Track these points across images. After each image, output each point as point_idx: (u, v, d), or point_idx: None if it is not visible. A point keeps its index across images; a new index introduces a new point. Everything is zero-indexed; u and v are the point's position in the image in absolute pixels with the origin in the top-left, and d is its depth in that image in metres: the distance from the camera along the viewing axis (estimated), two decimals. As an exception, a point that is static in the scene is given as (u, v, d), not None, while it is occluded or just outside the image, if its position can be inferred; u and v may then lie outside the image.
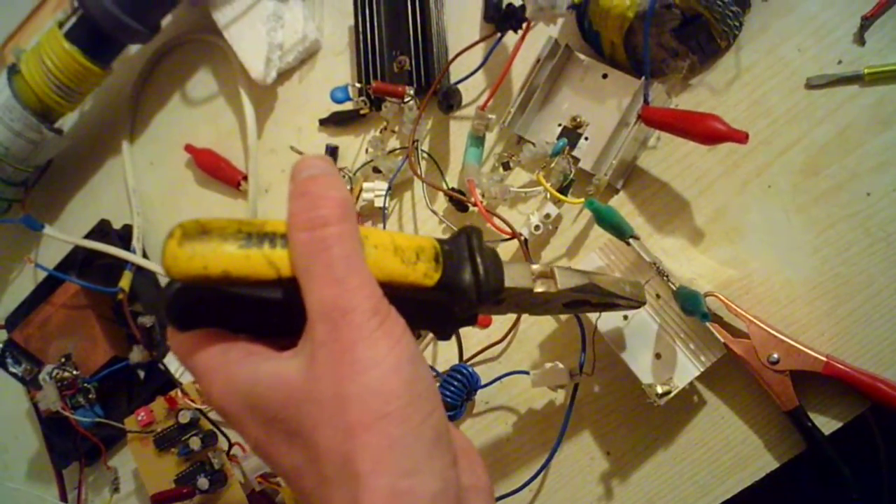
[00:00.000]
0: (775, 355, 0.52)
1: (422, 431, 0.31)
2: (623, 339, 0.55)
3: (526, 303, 0.43)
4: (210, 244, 0.31)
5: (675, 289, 0.52)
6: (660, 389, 0.52)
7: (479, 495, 0.35)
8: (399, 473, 0.30)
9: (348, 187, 0.68)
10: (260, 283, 0.32)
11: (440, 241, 0.38)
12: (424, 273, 0.36)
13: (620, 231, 0.54)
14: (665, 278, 0.53)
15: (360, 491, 0.29)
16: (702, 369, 0.53)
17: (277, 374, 0.32)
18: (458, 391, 0.62)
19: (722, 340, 0.53)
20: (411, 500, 0.30)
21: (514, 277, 0.40)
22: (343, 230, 0.32)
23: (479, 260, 0.38)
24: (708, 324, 0.52)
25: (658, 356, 0.54)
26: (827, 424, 0.53)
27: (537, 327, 0.63)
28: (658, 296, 0.55)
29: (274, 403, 0.32)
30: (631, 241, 0.54)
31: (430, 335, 0.67)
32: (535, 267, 0.43)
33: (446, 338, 0.41)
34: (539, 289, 0.42)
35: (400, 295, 0.34)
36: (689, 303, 0.50)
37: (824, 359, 0.51)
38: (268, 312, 0.35)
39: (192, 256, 0.31)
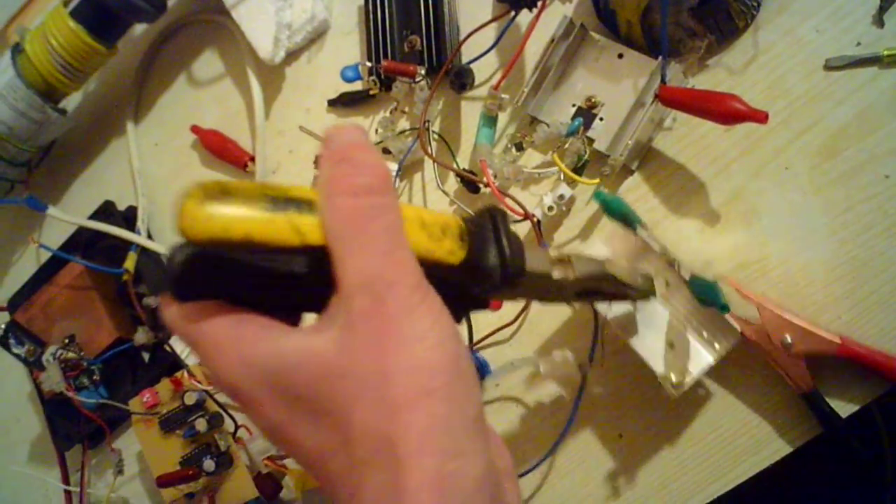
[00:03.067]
0: (788, 338, 0.52)
1: (466, 410, 0.29)
2: (633, 327, 0.55)
3: (540, 289, 0.42)
4: (232, 205, 0.29)
5: (687, 278, 0.51)
6: (675, 380, 0.52)
7: (508, 479, 0.34)
8: (444, 455, 0.28)
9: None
10: (282, 249, 0.30)
11: (464, 219, 0.37)
12: (450, 250, 0.35)
13: (628, 221, 0.53)
14: (675, 266, 0.52)
15: (401, 474, 0.27)
16: (717, 357, 0.52)
17: (307, 348, 0.30)
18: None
19: (738, 328, 0.52)
20: (457, 483, 0.28)
21: (534, 262, 0.39)
22: (387, 201, 0.31)
23: (504, 242, 0.36)
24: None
25: (671, 345, 0.53)
26: (844, 408, 0.52)
27: (548, 311, 0.63)
28: (668, 283, 0.54)
29: (302, 380, 0.30)
30: (638, 230, 0.53)
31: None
32: (553, 252, 0.41)
33: (457, 321, 0.40)
34: (557, 275, 0.41)
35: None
36: (707, 293, 0.50)
37: (838, 340, 0.51)
38: (284, 284, 0.33)
39: (211, 217, 0.29)
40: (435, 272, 0.34)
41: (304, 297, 0.33)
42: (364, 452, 0.28)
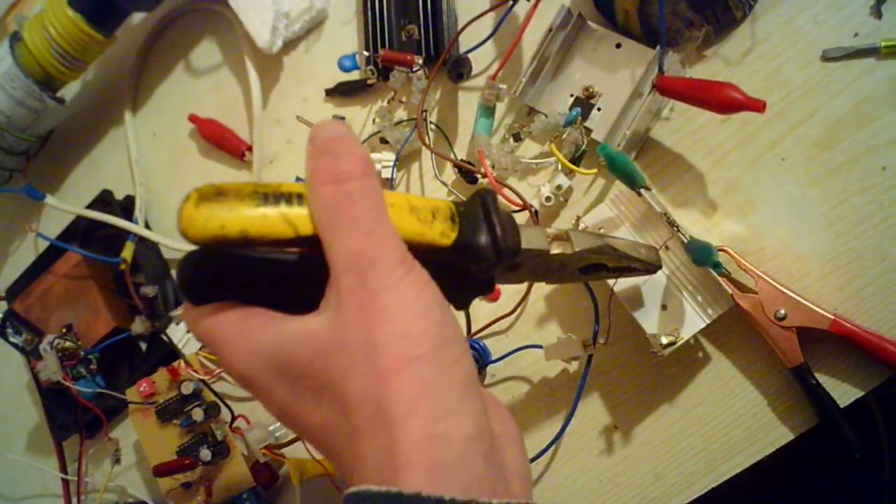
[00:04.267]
0: (782, 311, 0.52)
1: (454, 374, 0.31)
2: (632, 293, 0.55)
3: (542, 268, 0.43)
4: (227, 205, 0.31)
5: (686, 240, 0.52)
6: (664, 340, 0.52)
7: (510, 443, 0.35)
8: (434, 416, 0.29)
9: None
10: (278, 242, 0.32)
11: (455, 202, 0.38)
12: (441, 232, 0.36)
13: (632, 180, 0.54)
14: (675, 229, 0.53)
15: (393, 437, 0.29)
16: (708, 321, 0.53)
17: (303, 330, 0.32)
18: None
19: (730, 292, 0.52)
20: (447, 443, 0.29)
21: (531, 239, 0.40)
22: (367, 184, 0.33)
23: (495, 219, 0.37)
24: (716, 276, 0.52)
25: (664, 307, 0.54)
26: (831, 384, 0.53)
27: (546, 301, 0.63)
28: (667, 247, 0.55)
29: (301, 359, 0.32)
30: (642, 191, 0.54)
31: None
32: (549, 230, 0.43)
33: (463, 307, 0.41)
34: (555, 250, 0.42)
35: (417, 257, 0.34)
36: (701, 253, 0.51)
37: (831, 316, 0.51)
38: (285, 278, 0.35)
39: (209, 217, 0.31)
40: (430, 255, 0.35)
41: (305, 288, 0.34)
42: (360, 420, 0.30)
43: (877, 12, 0.55)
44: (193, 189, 0.32)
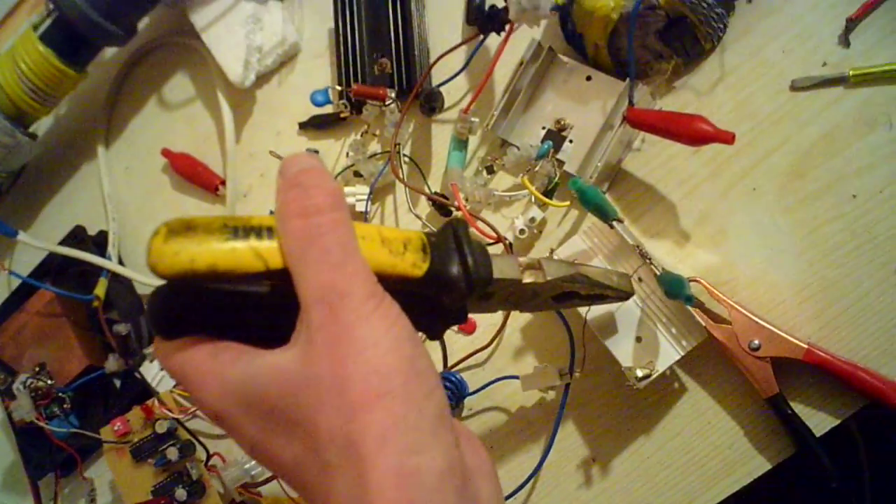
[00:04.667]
0: (756, 341, 0.52)
1: (425, 408, 0.30)
2: (606, 325, 0.55)
3: (515, 297, 0.43)
4: (196, 239, 0.31)
5: (658, 273, 0.52)
6: (640, 373, 0.52)
7: (483, 477, 0.34)
8: (405, 451, 0.29)
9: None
10: (247, 276, 0.32)
11: (426, 233, 0.38)
12: (413, 263, 0.35)
13: (604, 213, 0.54)
14: (648, 262, 0.53)
15: (365, 472, 0.28)
16: (682, 353, 0.53)
17: (274, 364, 0.32)
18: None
19: (703, 324, 0.52)
20: (419, 478, 0.29)
21: (503, 269, 0.40)
22: (337, 217, 0.33)
23: (466, 250, 0.37)
24: (690, 308, 0.52)
25: (639, 340, 0.54)
26: (807, 413, 0.52)
27: (522, 332, 0.63)
28: (640, 279, 0.55)
29: (272, 394, 0.31)
30: (614, 224, 0.54)
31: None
32: (522, 259, 0.43)
33: (437, 336, 0.41)
34: (527, 279, 0.42)
35: (389, 288, 0.33)
36: (673, 286, 0.51)
37: (805, 346, 0.51)
38: (255, 311, 0.35)
39: (177, 252, 0.31)
40: (402, 287, 0.35)
41: (276, 323, 0.33)
42: (331, 456, 0.30)
43: (845, 41, 0.55)
44: (163, 224, 0.31)
